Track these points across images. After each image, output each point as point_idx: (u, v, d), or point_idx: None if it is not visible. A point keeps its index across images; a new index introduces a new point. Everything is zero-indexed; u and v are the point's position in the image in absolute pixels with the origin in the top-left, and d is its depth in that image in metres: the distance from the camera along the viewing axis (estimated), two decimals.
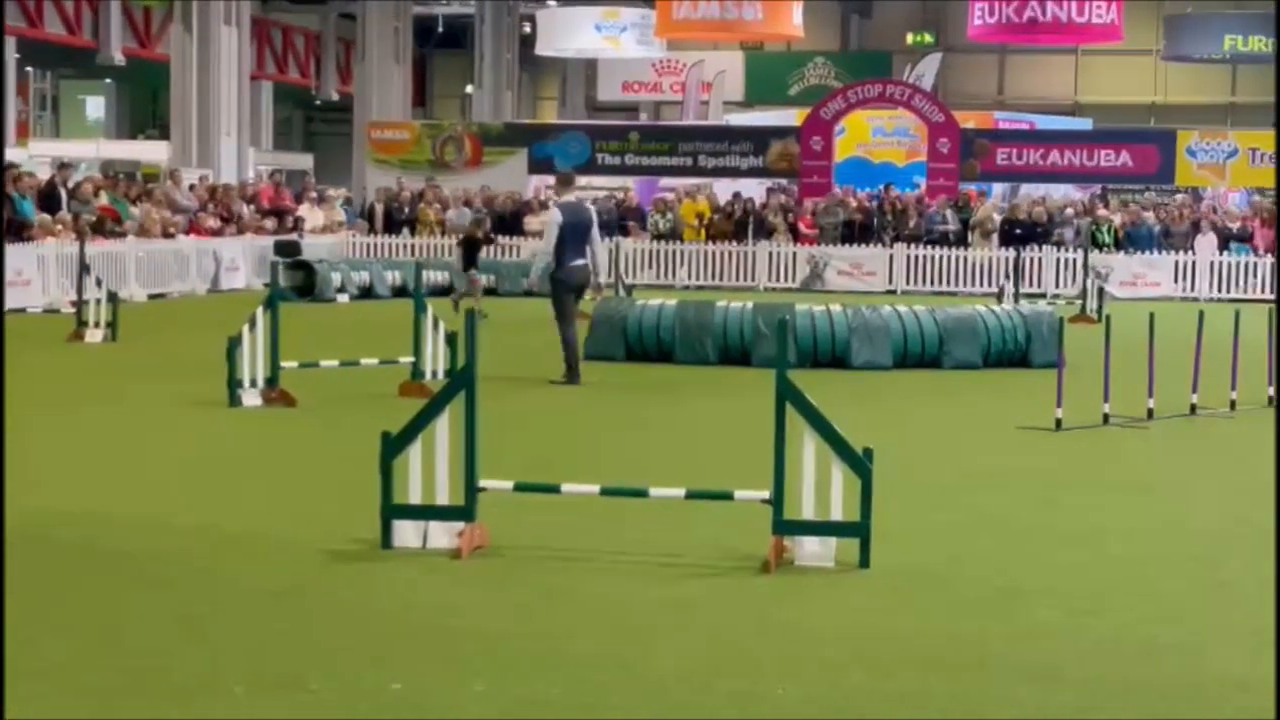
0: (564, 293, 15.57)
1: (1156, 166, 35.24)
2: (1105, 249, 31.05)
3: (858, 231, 32.82)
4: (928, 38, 55.73)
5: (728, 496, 8.42)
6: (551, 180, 37.12)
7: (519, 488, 8.58)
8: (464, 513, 8.15)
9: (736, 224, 33.18)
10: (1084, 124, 44.93)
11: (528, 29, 54.02)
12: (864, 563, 7.90)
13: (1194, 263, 31.02)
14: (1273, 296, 28.91)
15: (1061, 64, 56.29)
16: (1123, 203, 35.33)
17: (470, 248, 23.05)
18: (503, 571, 7.84)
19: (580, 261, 15.47)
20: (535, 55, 53.99)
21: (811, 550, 8.00)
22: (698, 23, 46.05)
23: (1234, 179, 35.34)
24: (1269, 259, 30.83)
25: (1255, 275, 30.67)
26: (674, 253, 32.18)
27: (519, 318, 20.44)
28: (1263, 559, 8.41)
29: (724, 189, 36.85)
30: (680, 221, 33.48)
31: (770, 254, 32.22)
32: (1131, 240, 31.73)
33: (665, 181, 38.18)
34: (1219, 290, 30.44)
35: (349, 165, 43.72)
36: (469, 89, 54.92)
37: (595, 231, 15.67)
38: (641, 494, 8.67)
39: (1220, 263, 30.95)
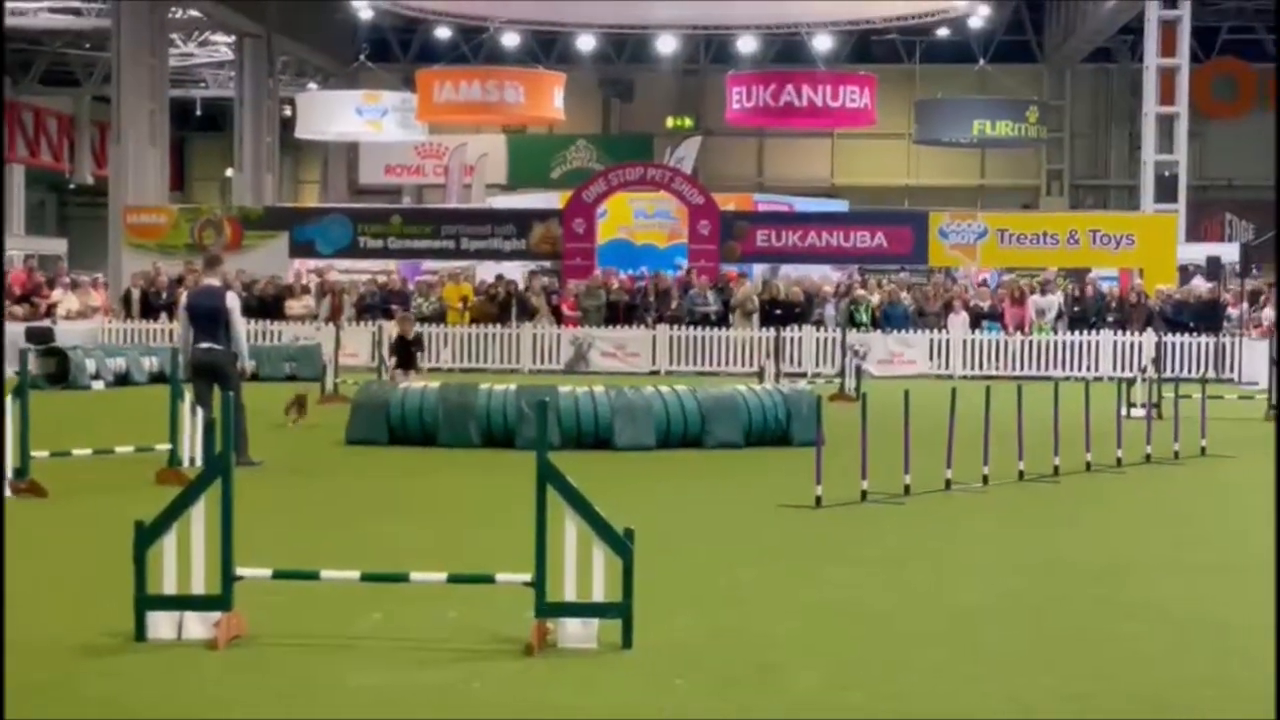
0: (191, 376, 15.27)
1: (910, 247, 36.08)
2: (863, 328, 31.69)
3: (621, 313, 33.07)
4: (687, 121, 56.55)
5: (489, 580, 8.38)
6: (313, 263, 37.06)
7: (277, 575, 8.44)
8: (220, 602, 7.99)
9: (500, 306, 33.22)
10: (840, 205, 45.89)
11: (288, 112, 53.64)
12: (627, 643, 7.92)
13: (948, 341, 31.82)
14: (1020, 373, 29.83)
15: (818, 147, 57.50)
16: (878, 283, 36.05)
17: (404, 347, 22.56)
18: (261, 661, 7.70)
19: (204, 345, 15.20)
20: (296, 138, 53.61)
21: (574, 632, 7.99)
22: (459, 105, 46.28)
23: (984, 259, 36.33)
24: (1018, 337, 31.77)
25: (1005, 353, 31.55)
26: (438, 335, 32.05)
27: (280, 404, 20.14)
28: (1017, 630, 8.60)
29: (487, 271, 36.89)
30: (443, 304, 33.44)
31: (534, 336, 32.30)
32: (888, 319, 32.43)
33: (428, 264, 38.09)
34: (971, 368, 31.23)
35: (105, 249, 42.84)
36: (229, 172, 54.29)
37: (233, 315, 15.34)
38: (402, 579, 8.59)
39: (972, 340, 31.80)
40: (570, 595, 7.98)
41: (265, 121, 49.89)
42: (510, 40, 51.43)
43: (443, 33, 52.79)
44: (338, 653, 7.93)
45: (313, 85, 56.47)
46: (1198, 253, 37.87)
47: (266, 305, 33.02)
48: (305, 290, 34.61)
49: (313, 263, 37.28)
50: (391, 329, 24.48)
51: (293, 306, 33.47)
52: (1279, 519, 9.46)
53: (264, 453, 15.44)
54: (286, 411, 19.65)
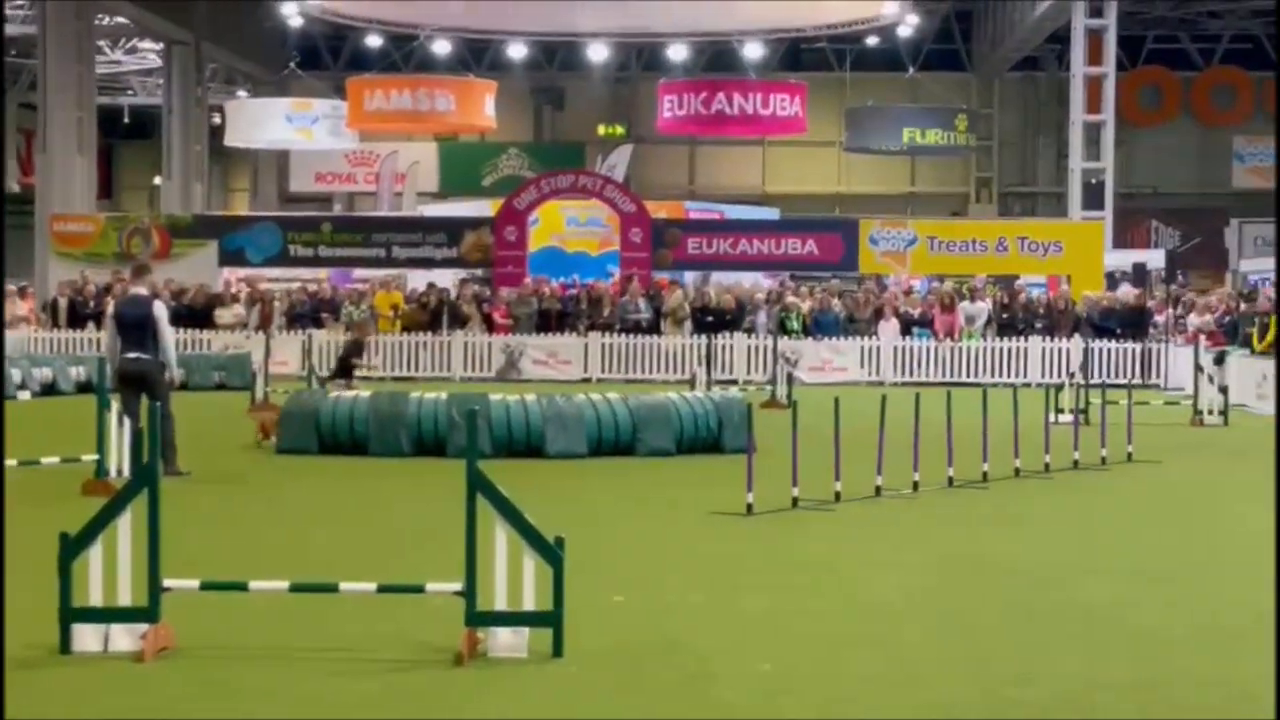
0: (119, 386, 15.13)
1: (841, 254, 36.16)
2: (794, 335, 31.77)
3: (553, 320, 33.05)
4: (619, 129, 56.63)
5: (419, 590, 8.35)
6: (243, 271, 36.84)
7: (205, 586, 8.39)
8: (147, 614, 7.93)
9: (431, 314, 33.13)
10: (771, 213, 45.98)
11: (217, 119, 53.32)
12: (557, 651, 7.91)
13: (878, 348, 31.94)
14: (950, 379, 30.02)
15: (749, 155, 57.63)
16: (809, 290, 36.16)
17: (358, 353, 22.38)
18: (189, 673, 7.64)
19: (132, 354, 15.06)
20: (225, 146, 53.29)
21: (505, 641, 7.97)
22: (390, 113, 46.18)
23: (913, 266, 36.47)
24: (948, 343, 31.93)
25: (935, 359, 31.70)
26: (369, 344, 31.85)
27: (209, 414, 20.06)
28: (945, 635, 8.65)
29: (418, 279, 36.79)
30: (374, 312, 33.31)
31: (466, 344, 32.24)
32: (819, 326, 32.52)
33: (359, 272, 37.95)
34: (902, 374, 31.36)
35: (31, 258, 42.44)
36: (157, 180, 53.93)
37: (161, 324, 15.18)
38: (332, 589, 8.55)
39: (902, 347, 31.94)
40: (501, 604, 7.97)
41: (194, 129, 49.61)
42: (441, 48, 51.29)
43: (373, 40, 52.62)
44: (267, 663, 7.88)
45: (242, 93, 56.17)
46: (1124, 259, 38.24)
47: (196, 314, 32.80)
48: (235, 299, 34.40)
49: (242, 271, 37.06)
50: (336, 334, 24.21)
51: (222, 315, 33.25)
52: (1279, 520, 9.59)
53: (192, 463, 15.33)
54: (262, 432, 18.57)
